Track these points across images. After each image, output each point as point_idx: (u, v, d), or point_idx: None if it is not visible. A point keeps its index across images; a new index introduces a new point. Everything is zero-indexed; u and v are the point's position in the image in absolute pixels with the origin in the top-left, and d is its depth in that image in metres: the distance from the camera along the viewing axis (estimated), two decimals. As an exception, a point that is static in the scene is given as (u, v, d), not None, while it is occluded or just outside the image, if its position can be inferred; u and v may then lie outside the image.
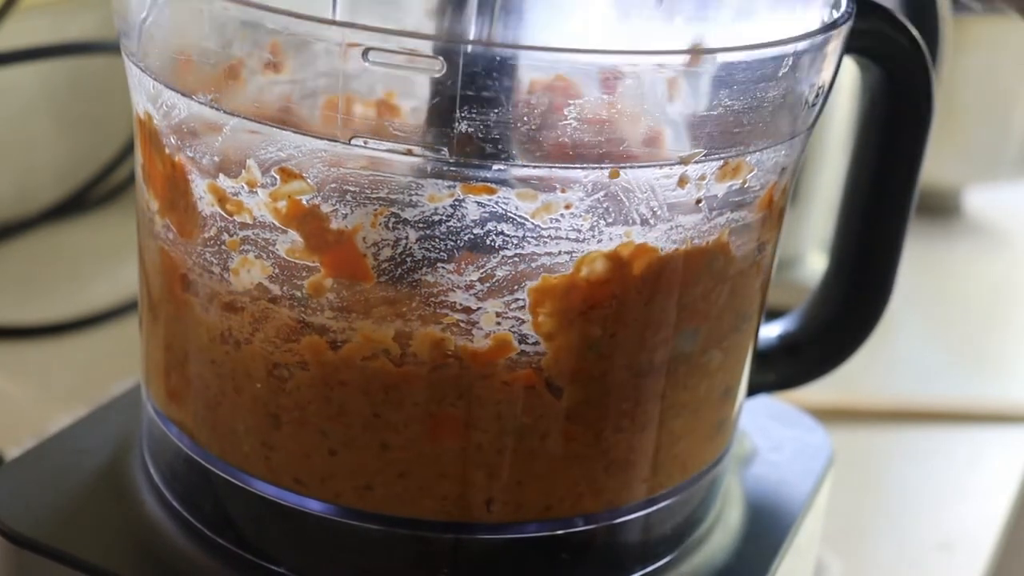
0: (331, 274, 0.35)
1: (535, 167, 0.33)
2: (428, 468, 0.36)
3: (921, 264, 0.94)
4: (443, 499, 0.37)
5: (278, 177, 0.34)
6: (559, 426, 0.36)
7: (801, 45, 0.35)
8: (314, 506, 0.37)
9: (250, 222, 0.35)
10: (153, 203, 0.38)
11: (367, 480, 0.37)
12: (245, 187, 0.35)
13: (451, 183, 0.33)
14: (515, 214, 0.33)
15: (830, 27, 0.36)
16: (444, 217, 0.33)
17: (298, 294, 0.35)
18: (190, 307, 0.38)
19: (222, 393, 0.38)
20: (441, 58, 0.31)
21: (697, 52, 0.35)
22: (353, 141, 0.33)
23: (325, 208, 0.34)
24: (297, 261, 0.35)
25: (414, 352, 0.35)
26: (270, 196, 0.35)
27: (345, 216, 0.34)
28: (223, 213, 0.36)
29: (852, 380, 0.60)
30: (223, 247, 0.36)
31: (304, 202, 0.34)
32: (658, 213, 0.35)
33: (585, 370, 0.36)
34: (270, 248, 0.35)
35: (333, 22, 0.32)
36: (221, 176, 0.35)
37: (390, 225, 0.34)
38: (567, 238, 0.34)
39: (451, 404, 0.35)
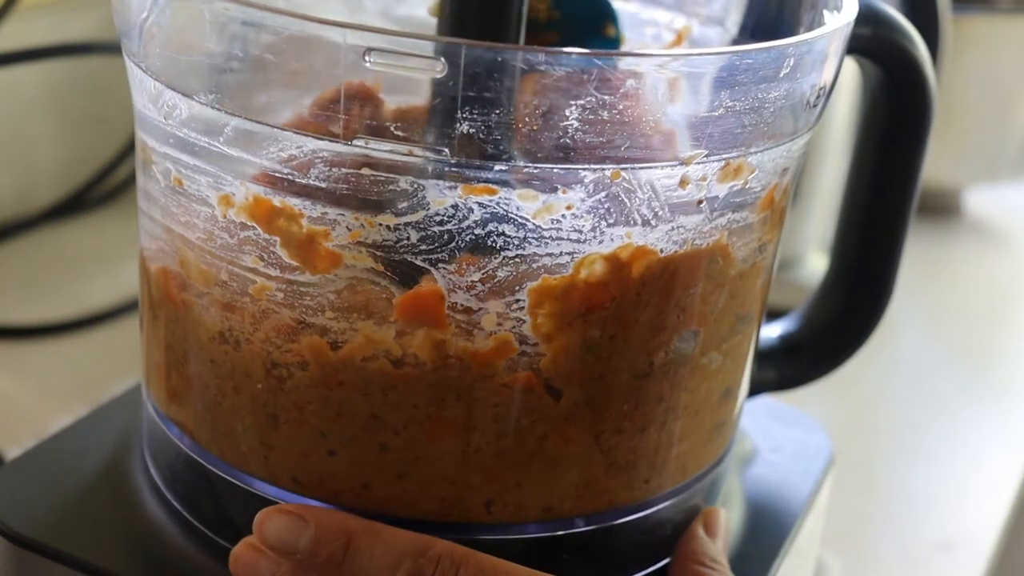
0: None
1: (536, 168, 0.33)
2: (427, 470, 0.36)
3: (921, 264, 0.94)
4: (442, 500, 0.37)
5: (278, 178, 0.34)
6: (558, 428, 0.36)
7: (802, 46, 0.35)
8: (313, 506, 0.37)
9: (249, 222, 0.35)
10: (153, 203, 0.38)
11: (365, 480, 0.36)
12: (245, 187, 0.35)
13: (452, 184, 0.33)
14: (516, 215, 0.33)
15: (831, 28, 0.36)
16: (445, 218, 0.33)
17: (297, 294, 0.35)
18: (189, 307, 0.38)
19: (221, 393, 0.38)
20: (442, 59, 0.31)
21: (696, 52, 0.35)
22: (354, 142, 0.33)
23: (326, 209, 0.34)
24: (295, 262, 0.35)
25: (414, 353, 0.35)
26: (269, 196, 0.34)
27: (345, 216, 0.34)
28: (223, 213, 0.36)
29: (852, 380, 0.60)
30: (223, 247, 0.36)
31: (305, 202, 0.34)
32: (659, 214, 0.35)
33: (584, 372, 0.36)
34: (270, 248, 0.35)
35: (334, 23, 0.32)
36: (221, 176, 0.35)
37: (391, 226, 0.34)
38: (568, 239, 0.34)
39: (450, 406, 0.35)
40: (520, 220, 0.33)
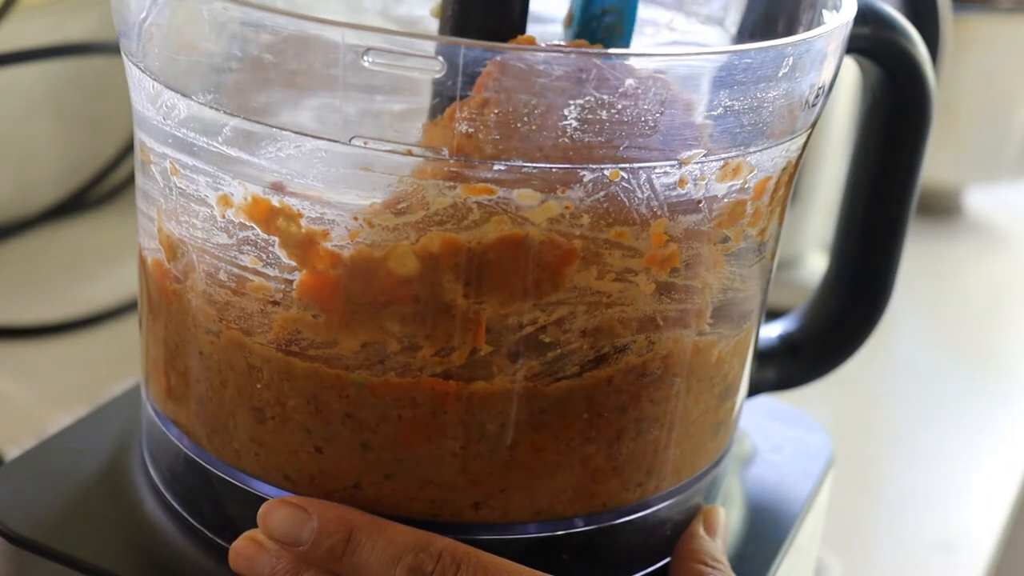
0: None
1: (535, 167, 0.33)
2: (411, 471, 0.36)
3: (921, 264, 0.94)
4: (431, 501, 0.37)
5: (275, 177, 0.34)
6: (528, 437, 0.36)
7: (801, 45, 0.35)
8: (317, 499, 0.37)
9: (247, 221, 0.35)
10: (151, 203, 0.38)
11: (355, 480, 0.36)
12: (243, 187, 0.35)
13: (451, 183, 0.33)
14: (515, 215, 0.33)
15: (830, 28, 0.36)
16: (444, 217, 0.33)
17: (293, 293, 0.35)
18: (185, 304, 0.38)
19: (212, 388, 0.38)
20: (441, 59, 0.31)
21: (696, 52, 0.34)
22: (353, 141, 0.33)
23: (324, 209, 0.34)
24: (294, 262, 0.35)
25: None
26: (268, 195, 0.34)
27: (344, 216, 0.34)
28: (220, 212, 0.36)
29: (852, 380, 0.60)
30: (221, 246, 0.36)
31: (304, 202, 0.34)
32: (658, 213, 0.34)
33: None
34: (269, 249, 0.35)
35: (333, 22, 0.32)
36: (219, 176, 0.35)
37: (390, 226, 0.34)
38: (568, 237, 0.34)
39: (419, 405, 0.35)
40: (519, 220, 0.33)
